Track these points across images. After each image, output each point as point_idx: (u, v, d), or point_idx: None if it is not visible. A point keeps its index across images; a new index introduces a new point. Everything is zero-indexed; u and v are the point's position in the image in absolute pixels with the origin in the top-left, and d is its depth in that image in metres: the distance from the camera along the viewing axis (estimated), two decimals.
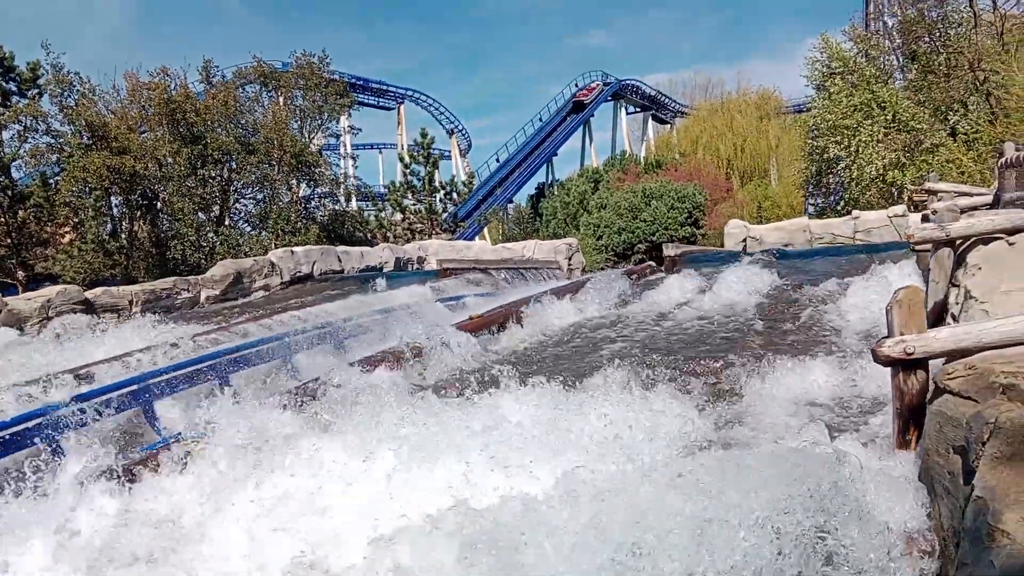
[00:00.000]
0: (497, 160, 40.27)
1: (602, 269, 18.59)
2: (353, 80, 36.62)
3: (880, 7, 29.40)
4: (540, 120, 42.63)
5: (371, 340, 8.30)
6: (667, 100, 50.88)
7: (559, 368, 4.94)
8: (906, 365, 3.01)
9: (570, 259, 16.52)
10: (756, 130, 37.00)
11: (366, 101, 40.38)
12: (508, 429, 3.78)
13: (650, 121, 50.85)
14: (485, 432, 3.69)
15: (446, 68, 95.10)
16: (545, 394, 4.05)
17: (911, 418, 3.04)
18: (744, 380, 4.96)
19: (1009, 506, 1.88)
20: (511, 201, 38.64)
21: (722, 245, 16.79)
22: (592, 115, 46.03)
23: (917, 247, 6.65)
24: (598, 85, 45.85)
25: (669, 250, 12.18)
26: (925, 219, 9.09)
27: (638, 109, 50.78)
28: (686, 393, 4.67)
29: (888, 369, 3.12)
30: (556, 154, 42.32)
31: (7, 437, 5.53)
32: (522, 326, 7.95)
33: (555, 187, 36.24)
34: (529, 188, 39.96)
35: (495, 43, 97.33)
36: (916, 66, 24.47)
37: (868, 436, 3.58)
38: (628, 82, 47.59)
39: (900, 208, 15.16)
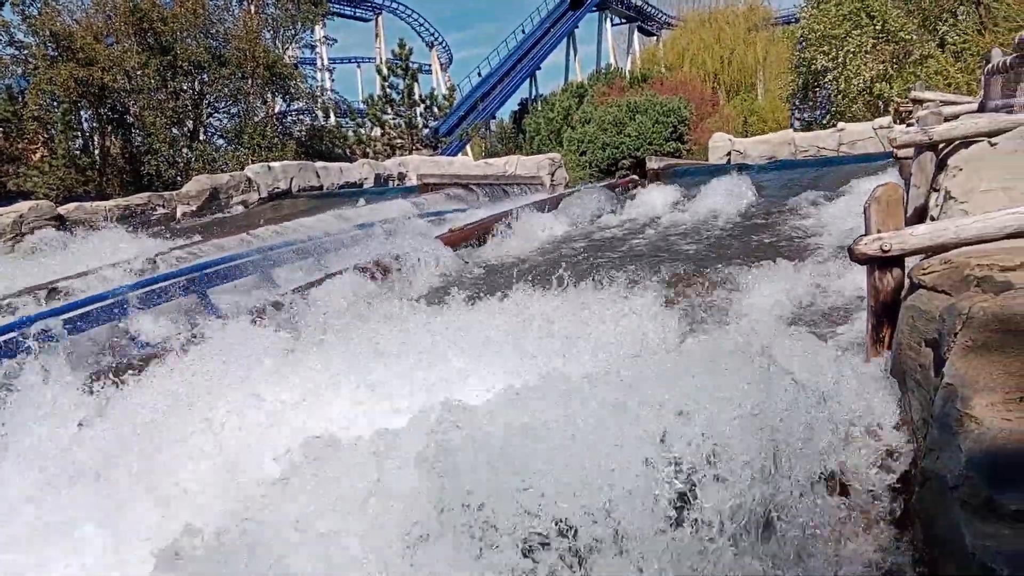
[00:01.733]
0: (479, 74, 39.31)
1: (586, 184, 18.43)
2: None
3: None
4: (523, 32, 41.43)
5: (351, 255, 8.24)
6: (654, 11, 49.44)
7: (533, 278, 4.92)
8: (882, 263, 3.00)
9: (553, 175, 16.35)
10: (744, 42, 36.19)
11: (341, 12, 38.93)
12: (477, 337, 3.78)
13: (636, 33, 49.53)
14: (457, 340, 3.69)
15: None
16: (514, 302, 4.04)
17: (885, 316, 3.05)
18: (719, 285, 4.98)
19: (978, 392, 1.89)
20: (494, 117, 37.91)
21: (707, 159, 16.66)
22: (576, 26, 44.78)
23: (900, 154, 6.60)
24: None
25: (652, 163, 12.06)
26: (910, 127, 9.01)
27: (624, 20, 49.37)
28: (661, 299, 4.67)
29: (864, 268, 3.12)
30: (540, 68, 41.34)
31: None
32: (501, 239, 7.91)
33: (539, 102, 35.54)
34: (512, 104, 39.17)
35: None
36: None
37: (841, 339, 3.62)
38: None
39: (886, 120, 15.03)
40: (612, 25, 48.49)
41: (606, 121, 23.52)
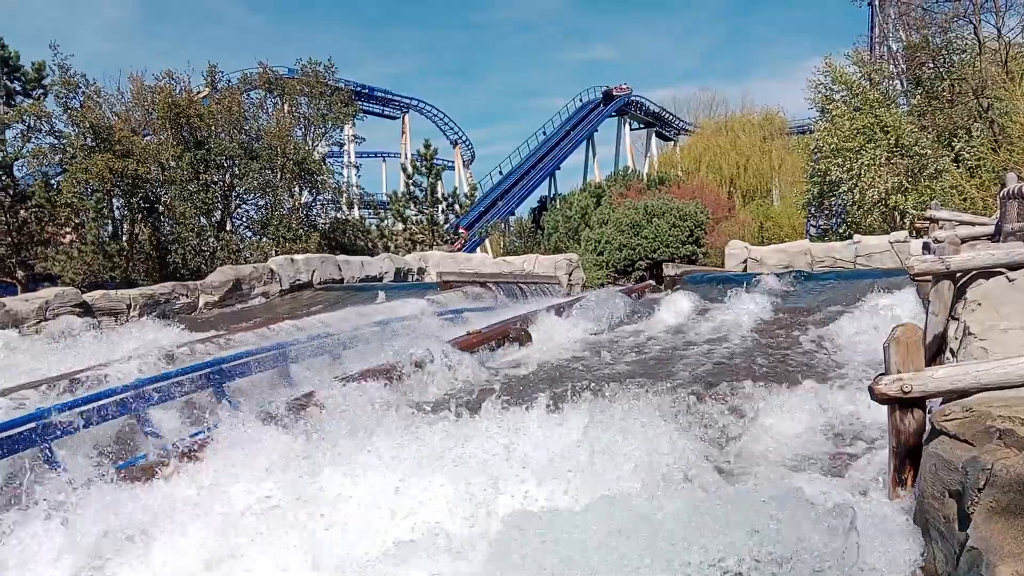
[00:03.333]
0: (500, 172, 40.43)
1: (602, 285, 18.58)
2: (358, 88, 36.79)
3: (885, 31, 29.56)
4: (544, 133, 42.78)
5: (368, 353, 8.28)
6: (671, 117, 51.05)
7: (551, 388, 4.91)
8: (903, 404, 2.99)
9: (570, 274, 16.51)
10: (759, 150, 37.11)
11: (371, 109, 40.54)
12: (498, 452, 3.77)
13: (654, 137, 51.02)
14: (474, 453, 3.67)
15: (448, 76, 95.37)
16: (534, 418, 4.03)
17: (907, 457, 3.02)
18: (738, 408, 4.94)
19: (1004, 558, 1.86)
20: (513, 214, 38.73)
21: (723, 264, 16.80)
22: (596, 129, 46.21)
23: (917, 277, 6.64)
24: (628, 88, 46.22)
25: (669, 269, 12.19)
26: (926, 247, 9.09)
27: (642, 125, 50.94)
28: (677, 419, 4.64)
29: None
30: (559, 168, 42.51)
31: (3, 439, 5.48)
32: (519, 344, 7.94)
33: (557, 201, 36.29)
34: (531, 201, 40.10)
35: (496, 52, 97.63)
36: (920, 91, 24.57)
37: (862, 473, 3.56)
38: (633, 98, 47.75)
39: (902, 234, 15.17)
40: (631, 129, 50.01)
41: (623, 223, 23.90)
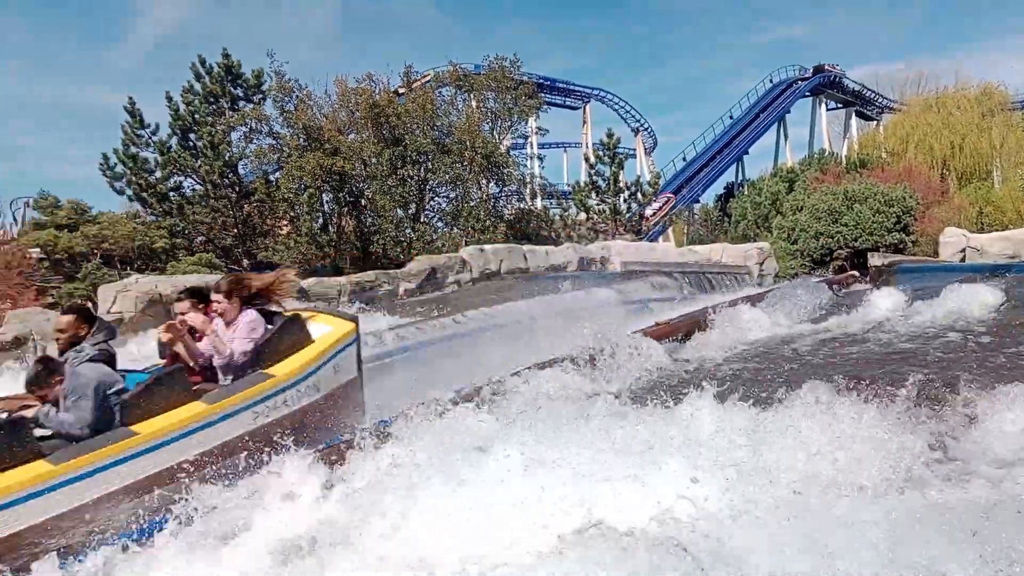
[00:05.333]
0: (684, 159, 39.43)
1: (796, 275, 17.65)
2: (541, 80, 37.31)
3: None
4: (731, 117, 41.15)
5: (555, 340, 8.43)
6: (872, 95, 47.18)
7: (751, 382, 4.73)
8: None
9: (761, 264, 15.85)
10: (977, 127, 33.35)
11: (553, 101, 40.96)
12: (702, 444, 3.70)
13: (853, 117, 47.43)
14: (676, 445, 3.63)
15: (631, 64, 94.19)
16: (738, 410, 3.91)
17: None
18: (963, 408, 4.51)
19: None
20: (697, 201, 37.67)
21: (935, 254, 15.36)
22: (789, 111, 43.76)
23: None
24: (838, 69, 44.02)
25: (876, 259, 11.36)
26: None
27: (840, 105, 47.54)
28: (896, 419, 4.32)
29: None
30: (747, 152, 40.71)
31: None
32: (709, 335, 7.74)
33: (745, 187, 34.82)
34: (717, 188, 38.78)
35: (680, 37, 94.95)
36: None
37: None
38: (830, 76, 44.69)
39: None
40: (827, 109, 46.82)
41: (820, 209, 22.47)
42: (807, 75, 43.89)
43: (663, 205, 32.93)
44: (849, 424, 3.71)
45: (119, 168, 21.45)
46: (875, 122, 46.90)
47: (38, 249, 17.94)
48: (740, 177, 39.93)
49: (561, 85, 42.89)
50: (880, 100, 47.03)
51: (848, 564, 2.53)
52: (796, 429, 3.73)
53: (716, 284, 13.51)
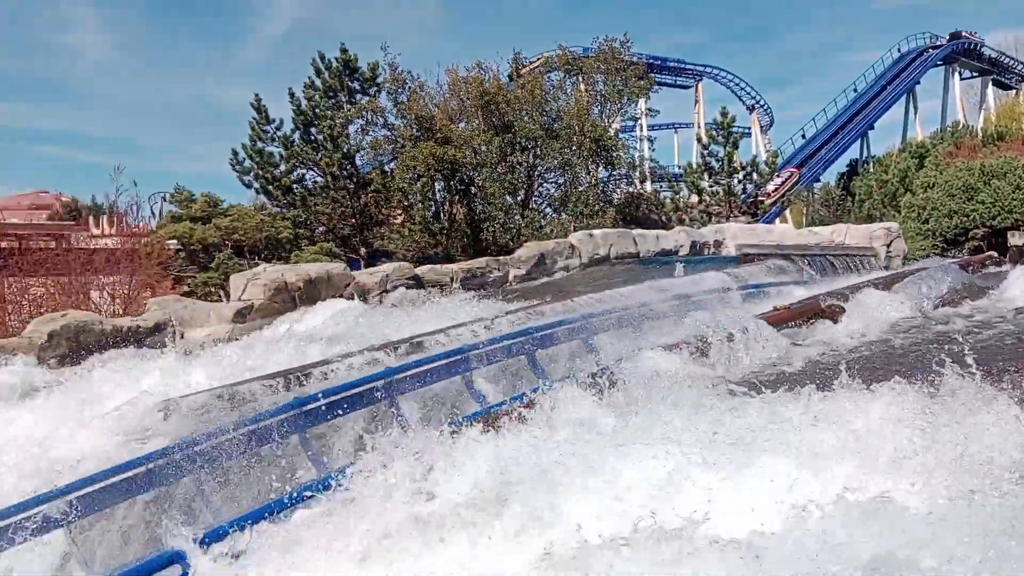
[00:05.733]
0: (803, 136, 37.75)
1: (927, 257, 16.60)
2: (651, 60, 36.58)
3: None
4: (855, 90, 38.98)
5: (667, 326, 8.31)
6: (1012, 62, 43.46)
7: (887, 370, 4.48)
8: None
9: (889, 245, 14.98)
10: None
11: (663, 80, 40.10)
12: (816, 435, 3.55)
13: (990, 87, 43.89)
14: (809, 434, 3.50)
15: (744, 38, 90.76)
16: (879, 398, 3.71)
17: None
18: None
19: None
20: (818, 180, 35.96)
21: None
22: (919, 82, 41.01)
23: None
24: (977, 36, 41.17)
25: (1016, 238, 10.50)
26: None
27: (975, 74, 44.10)
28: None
29: None
30: (872, 127, 38.54)
31: (358, 394, 6.42)
32: (835, 321, 7.40)
33: (871, 164, 32.97)
34: (839, 166, 36.89)
35: (795, 6, 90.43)
36: None
37: None
38: (966, 44, 41.53)
39: None
40: (960, 79, 43.55)
41: (954, 186, 20.98)
42: (939, 43, 40.94)
43: (786, 180, 31.67)
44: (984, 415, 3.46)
45: (247, 163, 22.72)
46: (1014, 91, 43.22)
47: (175, 241, 19.27)
48: (865, 154, 37.83)
49: (672, 64, 41.93)
50: (1020, 67, 43.28)
51: None
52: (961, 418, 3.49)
53: (839, 267, 12.88)
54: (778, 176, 29.74)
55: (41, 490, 4.48)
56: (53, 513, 4.31)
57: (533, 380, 7.19)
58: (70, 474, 4.90)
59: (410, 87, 22.48)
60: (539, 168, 22.74)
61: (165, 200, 25.03)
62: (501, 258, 13.88)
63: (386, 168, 23.01)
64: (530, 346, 7.76)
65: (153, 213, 25.25)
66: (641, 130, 31.62)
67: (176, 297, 11.43)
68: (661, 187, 29.57)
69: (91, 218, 25.94)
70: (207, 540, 4.13)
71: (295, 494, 4.68)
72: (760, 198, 28.08)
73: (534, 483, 3.54)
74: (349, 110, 22.89)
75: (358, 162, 23.34)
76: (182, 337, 9.63)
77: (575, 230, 17.28)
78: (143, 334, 9.19)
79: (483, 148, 21.39)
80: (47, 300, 12.81)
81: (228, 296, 12.17)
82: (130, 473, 4.77)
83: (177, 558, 4.00)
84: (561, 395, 5.18)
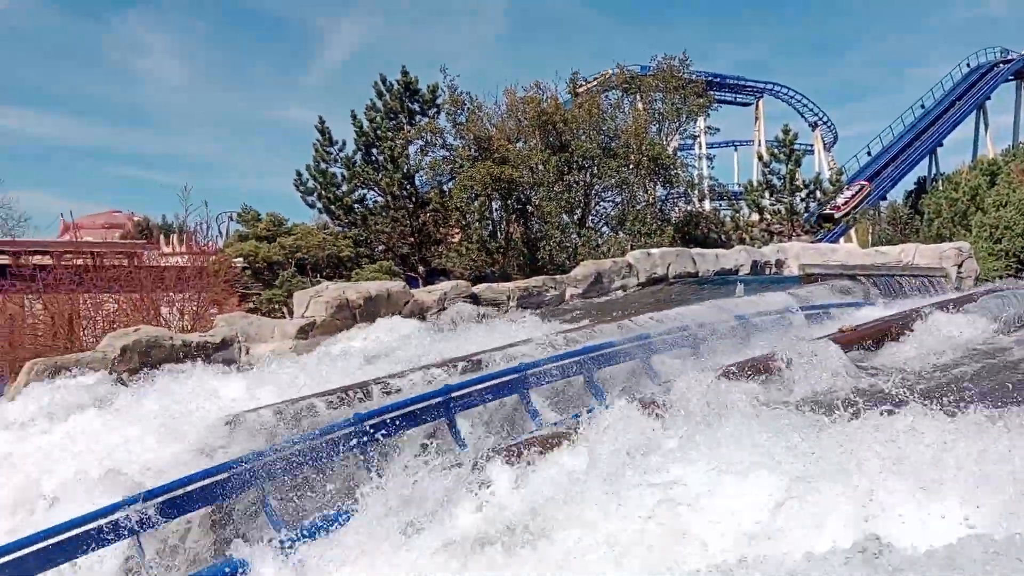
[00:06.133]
0: (868, 153, 36.83)
1: (1000, 278, 15.96)
2: (710, 78, 36.26)
3: None
4: (922, 107, 37.91)
5: (730, 347, 8.17)
6: None
7: (960, 395, 4.31)
8: None
9: (960, 266, 14.44)
10: None
11: (723, 98, 39.66)
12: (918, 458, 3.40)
13: None
14: (882, 460, 3.39)
15: (805, 54, 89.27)
16: (954, 424, 3.57)
17: None
18: None
19: None
20: (884, 198, 35.00)
21: None
22: (989, 97, 39.66)
23: None
24: None
25: None
26: None
27: None
28: None
29: None
30: (941, 144, 37.36)
31: (416, 411, 6.47)
32: (904, 343, 7.17)
33: (939, 182, 31.95)
34: (907, 184, 35.85)
35: (859, 20, 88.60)
36: None
37: None
38: None
39: None
40: None
41: None
42: (1010, 57, 39.56)
43: (856, 193, 30.90)
44: None
45: (310, 183, 23.32)
46: None
47: (241, 259, 19.86)
48: (933, 171, 36.71)
49: (731, 81, 41.50)
50: None
51: None
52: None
53: (908, 288, 12.46)
54: (848, 189, 29.02)
55: (115, 499, 4.65)
56: (125, 521, 4.47)
57: (591, 400, 7.15)
58: (139, 484, 5.07)
59: (468, 108, 22.78)
60: (596, 187, 22.71)
61: (231, 219, 25.87)
62: (558, 277, 13.87)
63: (444, 188, 23.31)
64: (588, 365, 7.71)
65: (220, 232, 26.11)
66: (700, 148, 31.33)
67: (242, 314, 11.75)
68: (720, 206, 29.19)
69: (162, 237, 26.97)
70: (271, 550, 4.22)
71: (354, 507, 4.74)
72: (829, 211, 27.45)
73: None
74: (409, 131, 23.30)
75: (417, 182, 23.71)
76: (248, 352, 9.88)
77: (632, 249, 17.17)
78: (211, 349, 9.46)
79: (540, 167, 21.49)
80: (120, 316, 13.33)
81: (291, 313, 12.45)
82: (199, 484, 4.92)
83: (241, 565, 4.10)
84: (621, 415, 5.13)
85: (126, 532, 4.43)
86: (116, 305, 13.80)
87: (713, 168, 29.84)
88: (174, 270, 15.83)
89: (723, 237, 24.26)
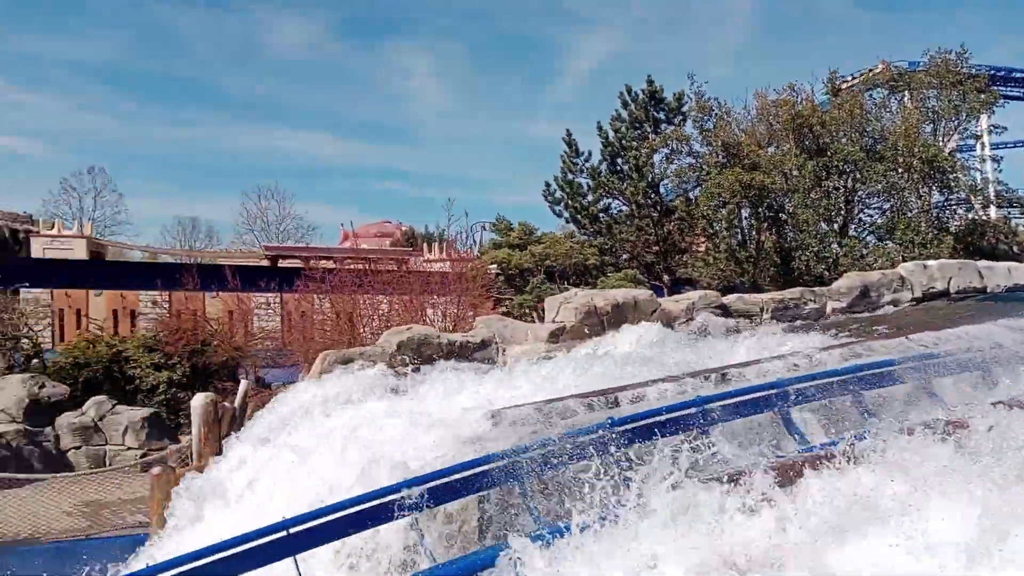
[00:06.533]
0: None
1: None
2: (993, 72, 32.06)
3: None
4: None
5: None
6: None
7: None
8: None
9: None
10: None
11: (1009, 94, 34.92)
12: None
13: None
14: None
15: None
16: None
17: None
18: None
19: None
20: None
21: None
22: None
23: None
24: None
25: None
26: None
27: None
28: None
29: None
30: None
31: (665, 421, 6.38)
32: None
33: None
34: None
35: None
36: None
37: None
38: None
39: None
40: None
41: None
42: None
43: None
44: None
45: (558, 193, 24.14)
46: None
47: (495, 266, 21.04)
48: None
49: (1020, 75, 36.39)
50: None
51: None
52: None
53: None
54: None
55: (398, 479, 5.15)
56: (407, 501, 4.93)
57: (858, 421, 6.63)
58: (415, 470, 5.55)
59: (716, 114, 22.18)
60: (859, 193, 20.98)
61: (484, 229, 27.55)
62: (817, 289, 13.01)
63: (690, 196, 22.92)
64: (855, 385, 7.16)
65: (475, 241, 27.90)
66: (984, 149, 27.78)
67: (498, 317, 12.45)
68: (1011, 213, 25.60)
69: (425, 245, 29.39)
70: (535, 540, 4.41)
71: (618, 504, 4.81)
72: None
73: None
74: (654, 140, 23.23)
75: (662, 190, 23.57)
76: (503, 353, 10.44)
77: (904, 260, 15.63)
78: (472, 348, 10.13)
79: (794, 173, 20.31)
80: (392, 315, 14.73)
81: (542, 317, 12.95)
82: (468, 472, 5.28)
83: (509, 552, 4.33)
84: (902, 442, 4.70)
85: (412, 508, 4.87)
86: (389, 306, 15.27)
87: (1000, 171, 26.35)
88: (438, 275, 17.20)
89: (1015, 249, 21.28)
